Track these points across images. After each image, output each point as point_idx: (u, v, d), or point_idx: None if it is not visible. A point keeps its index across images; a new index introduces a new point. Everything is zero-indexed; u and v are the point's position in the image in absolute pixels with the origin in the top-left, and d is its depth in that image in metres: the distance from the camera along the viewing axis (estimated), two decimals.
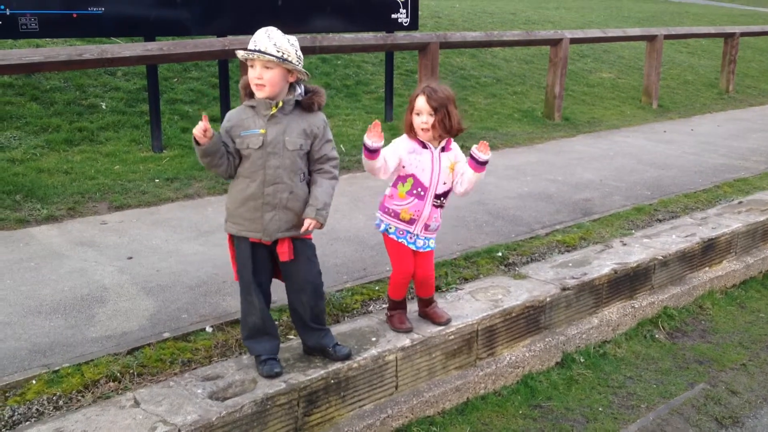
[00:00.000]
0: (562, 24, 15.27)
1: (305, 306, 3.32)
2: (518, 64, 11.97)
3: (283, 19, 7.13)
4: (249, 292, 3.24)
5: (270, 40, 3.03)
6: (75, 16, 5.99)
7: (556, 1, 20.90)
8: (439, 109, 3.38)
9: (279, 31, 3.09)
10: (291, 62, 3.06)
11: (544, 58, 11.36)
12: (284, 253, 3.19)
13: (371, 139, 3.29)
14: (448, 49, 10.00)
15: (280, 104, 3.11)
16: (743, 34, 13.28)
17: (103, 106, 7.30)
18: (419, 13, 8.49)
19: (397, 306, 3.74)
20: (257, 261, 3.22)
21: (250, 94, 3.14)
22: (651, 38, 10.98)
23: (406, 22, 8.23)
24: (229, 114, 3.20)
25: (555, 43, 9.51)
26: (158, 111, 6.77)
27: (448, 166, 3.52)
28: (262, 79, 3.05)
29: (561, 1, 21.11)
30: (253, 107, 3.14)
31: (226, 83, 7.19)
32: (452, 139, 3.56)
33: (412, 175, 3.48)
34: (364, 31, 8.18)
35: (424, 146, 3.49)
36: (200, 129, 2.98)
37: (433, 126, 3.41)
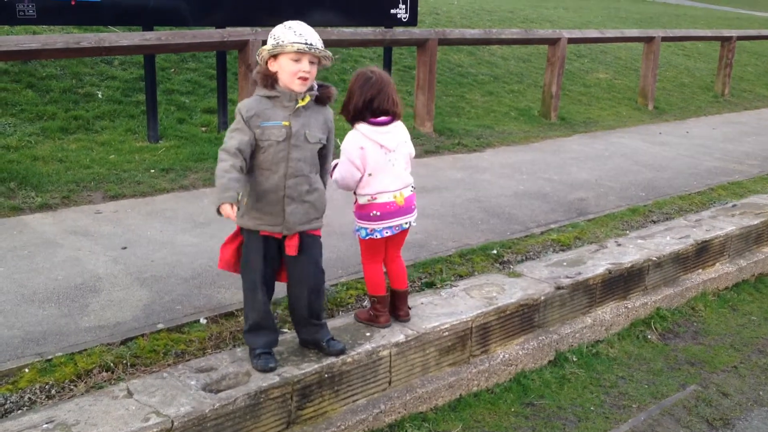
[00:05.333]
0: (560, 23, 15.28)
1: (304, 300, 3.32)
2: (516, 62, 11.97)
3: (282, 12, 7.10)
4: (255, 288, 3.22)
5: (315, 35, 3.09)
6: (73, 3, 5.94)
7: (555, 1, 20.89)
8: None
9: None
10: (329, 59, 3.14)
11: (542, 57, 11.37)
12: (293, 246, 3.19)
13: None
14: (447, 46, 9.99)
15: (307, 99, 3.13)
16: (740, 38, 13.32)
17: (100, 95, 7.26)
18: (418, 9, 8.47)
19: (384, 302, 3.71)
20: (268, 256, 3.21)
21: (270, 85, 3.10)
22: (648, 40, 10.99)
23: (405, 18, 8.22)
24: (247, 104, 3.10)
25: (553, 42, 9.52)
26: (155, 101, 6.74)
27: None
28: (309, 74, 3.08)
29: (559, 1, 21.11)
30: (275, 98, 3.10)
31: (224, 75, 7.16)
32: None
33: None
34: (363, 26, 8.16)
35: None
36: (229, 216, 2.95)
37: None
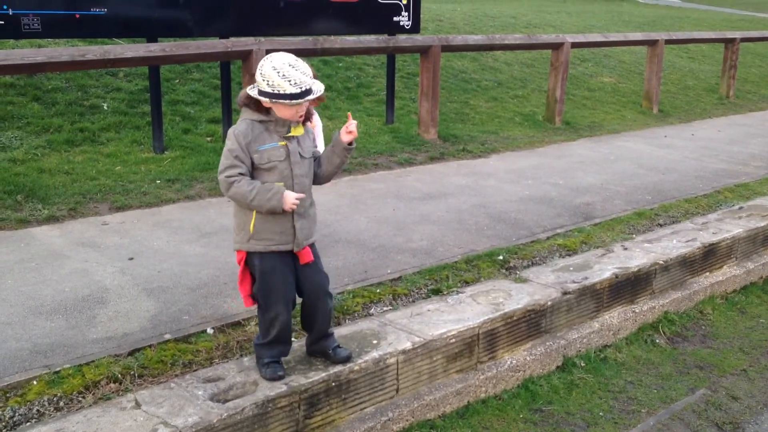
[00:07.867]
0: (563, 28, 15.28)
1: (326, 311, 3.35)
2: (519, 67, 11.98)
3: (285, 21, 7.13)
4: (281, 308, 3.21)
5: (308, 76, 3.02)
6: (77, 16, 5.98)
7: (557, 5, 20.91)
8: None
9: (302, 62, 3.08)
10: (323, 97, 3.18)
11: (545, 62, 11.37)
12: (308, 254, 3.23)
13: None
14: (450, 53, 10.00)
15: (301, 130, 3.17)
16: (743, 40, 13.29)
17: (105, 107, 7.30)
18: (421, 16, 8.49)
19: None
20: (286, 270, 3.22)
21: (265, 111, 3.10)
22: (652, 43, 10.99)
23: (408, 25, 8.24)
24: (241, 130, 3.08)
25: (556, 47, 9.52)
26: (160, 112, 6.77)
27: None
28: (305, 111, 3.15)
29: (562, 6, 21.13)
30: (267, 122, 3.11)
31: (228, 85, 7.19)
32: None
33: None
34: (366, 34, 8.19)
35: None
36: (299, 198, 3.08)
37: None
